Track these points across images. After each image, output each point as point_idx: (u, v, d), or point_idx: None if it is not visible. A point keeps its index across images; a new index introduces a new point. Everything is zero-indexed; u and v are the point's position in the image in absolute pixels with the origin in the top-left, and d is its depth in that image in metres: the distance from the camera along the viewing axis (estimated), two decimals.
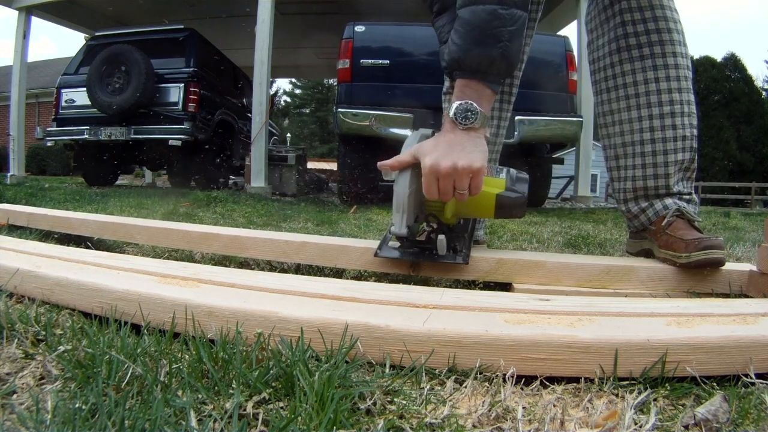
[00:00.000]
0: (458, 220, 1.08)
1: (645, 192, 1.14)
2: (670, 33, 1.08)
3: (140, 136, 5.39)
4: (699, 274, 0.98)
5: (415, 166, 0.95)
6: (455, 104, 0.92)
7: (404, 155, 0.96)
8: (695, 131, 1.11)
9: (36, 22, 7.19)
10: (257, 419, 0.44)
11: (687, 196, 1.13)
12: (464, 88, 0.93)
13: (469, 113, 0.91)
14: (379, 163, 0.98)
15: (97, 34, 6.23)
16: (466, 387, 0.54)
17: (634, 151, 1.14)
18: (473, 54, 0.91)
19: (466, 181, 0.89)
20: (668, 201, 1.11)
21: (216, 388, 0.48)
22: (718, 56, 19.15)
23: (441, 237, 0.98)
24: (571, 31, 7.21)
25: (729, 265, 1.01)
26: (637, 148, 1.13)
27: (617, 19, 1.12)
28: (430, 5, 1.16)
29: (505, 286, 1.04)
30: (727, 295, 0.97)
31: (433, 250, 1.01)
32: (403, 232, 0.94)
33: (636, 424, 0.46)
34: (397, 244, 1.07)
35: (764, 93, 20.38)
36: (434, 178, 0.89)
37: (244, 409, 0.45)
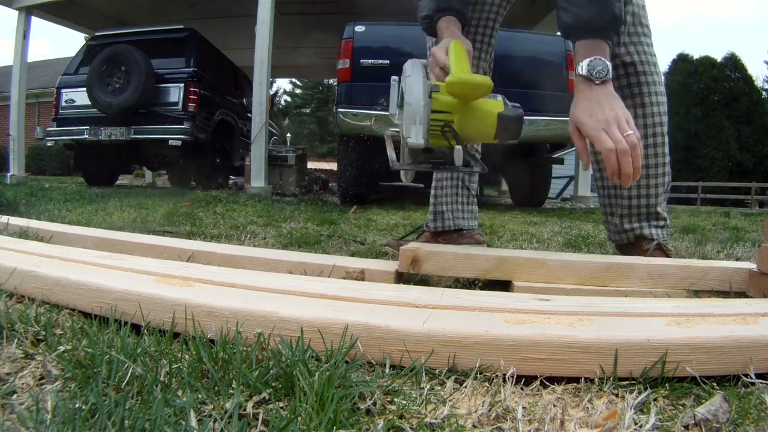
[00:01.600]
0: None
1: (629, 212, 1.29)
2: (653, 75, 1.24)
3: (140, 136, 5.39)
4: (698, 271, 0.99)
5: (426, 78, 0.99)
6: (586, 62, 1.00)
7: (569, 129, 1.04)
8: (668, 158, 1.29)
9: (35, 22, 7.18)
10: (257, 419, 0.44)
11: (664, 222, 1.30)
12: (589, 47, 1.01)
13: (602, 69, 0.99)
14: (432, 50, 1.05)
15: (97, 34, 6.23)
16: (466, 387, 0.54)
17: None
18: (595, 13, 0.99)
19: (626, 124, 0.95)
20: (653, 230, 1.28)
21: (216, 388, 0.48)
22: (718, 56, 19.12)
23: (458, 147, 0.98)
24: None
25: (729, 265, 1.01)
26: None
27: (618, 70, 1.23)
28: None
29: (505, 285, 1.04)
30: (727, 295, 0.97)
31: (446, 162, 1.02)
32: (420, 143, 0.94)
33: (636, 424, 0.46)
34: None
35: (764, 93, 20.36)
36: (601, 130, 0.96)
37: (244, 409, 0.45)
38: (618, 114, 0.96)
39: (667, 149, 1.27)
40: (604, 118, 0.96)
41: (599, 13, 0.99)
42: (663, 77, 1.29)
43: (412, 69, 1.01)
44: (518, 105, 1.05)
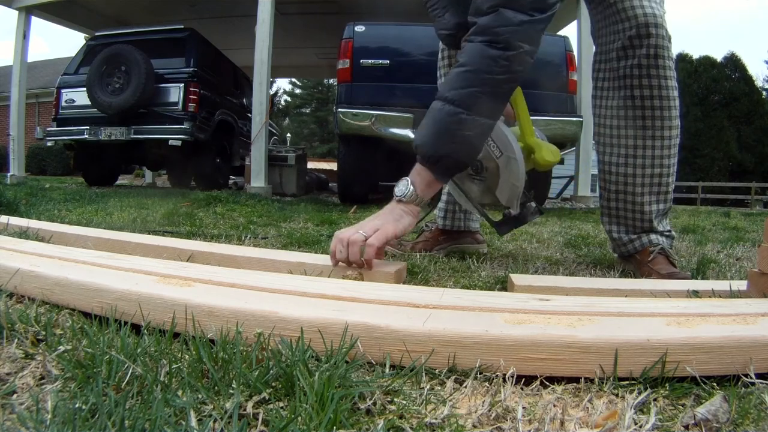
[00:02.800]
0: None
1: (633, 228, 1.35)
2: (669, 110, 1.27)
3: (140, 136, 5.39)
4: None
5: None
6: (402, 180, 1.10)
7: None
8: (673, 186, 1.36)
9: (34, 21, 7.18)
10: (257, 419, 0.44)
11: (668, 233, 1.34)
12: (416, 168, 1.09)
13: (400, 188, 1.09)
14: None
15: (97, 34, 6.22)
16: (466, 387, 0.54)
17: (626, 199, 1.35)
18: (426, 145, 1.06)
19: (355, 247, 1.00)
20: (653, 237, 1.32)
21: (216, 388, 0.48)
22: (718, 56, 19.12)
23: (531, 204, 1.26)
24: (571, 31, 7.21)
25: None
26: (629, 197, 1.34)
27: (626, 91, 1.29)
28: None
29: (505, 285, 1.04)
30: (727, 295, 0.97)
31: (521, 218, 1.27)
32: (518, 211, 1.24)
33: (636, 424, 0.46)
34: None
35: (764, 93, 20.35)
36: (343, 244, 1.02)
37: (244, 409, 0.45)
38: (366, 228, 1.02)
39: (672, 179, 1.33)
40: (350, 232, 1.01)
41: (430, 145, 1.05)
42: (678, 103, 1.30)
43: (514, 146, 1.19)
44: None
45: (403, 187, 1.08)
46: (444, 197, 1.56)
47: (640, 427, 0.46)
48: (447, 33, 1.28)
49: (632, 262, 1.35)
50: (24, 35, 6.96)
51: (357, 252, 0.98)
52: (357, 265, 0.99)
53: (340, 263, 1.02)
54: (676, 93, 1.29)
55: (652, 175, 1.30)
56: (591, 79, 1.41)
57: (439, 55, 1.55)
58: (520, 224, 1.29)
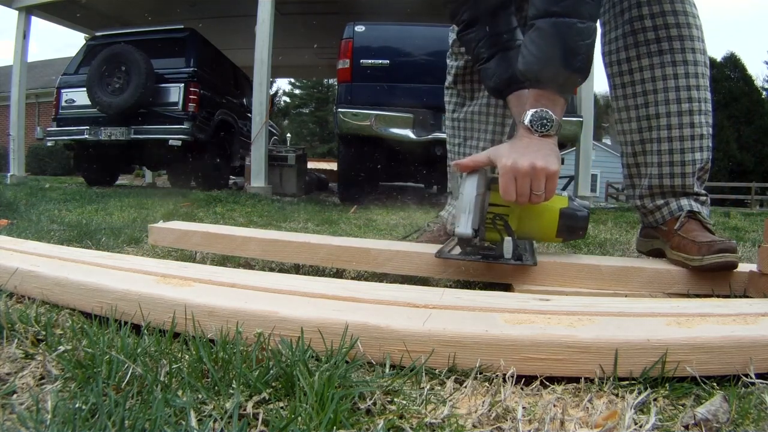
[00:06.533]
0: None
1: (661, 190, 1.13)
2: (689, 28, 1.07)
3: (140, 136, 5.38)
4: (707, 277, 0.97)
5: (482, 169, 0.97)
6: (530, 112, 0.93)
7: (479, 156, 0.97)
8: (711, 130, 1.10)
9: (34, 21, 7.18)
10: (257, 419, 0.44)
11: (703, 198, 1.13)
12: (539, 97, 0.94)
13: (545, 121, 0.93)
14: (453, 162, 0.99)
15: (97, 34, 6.22)
16: (466, 387, 0.54)
17: (652, 149, 1.13)
18: (552, 66, 0.91)
19: (542, 181, 0.91)
20: (683, 201, 1.10)
21: (216, 388, 0.48)
22: (718, 56, 19.09)
23: (508, 239, 0.95)
24: None
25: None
26: (655, 146, 1.12)
27: (633, 11, 1.10)
28: (455, 15, 1.16)
29: (506, 285, 1.04)
30: (727, 295, 0.97)
31: (496, 255, 0.98)
32: (468, 233, 0.92)
33: (636, 424, 0.46)
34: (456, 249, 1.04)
35: (764, 93, 20.35)
36: (512, 177, 0.91)
37: (244, 409, 0.45)
38: (537, 169, 0.90)
39: (706, 118, 1.09)
40: (525, 166, 0.90)
41: (556, 66, 0.91)
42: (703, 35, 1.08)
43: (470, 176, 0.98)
44: (587, 204, 1.02)
45: (546, 121, 0.92)
46: (452, 201, 1.56)
47: (640, 427, 0.46)
48: (494, 87, 1.14)
49: (659, 237, 1.14)
50: (24, 35, 6.96)
51: (542, 185, 0.90)
52: (533, 201, 0.91)
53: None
54: (695, 10, 1.08)
55: (679, 113, 1.08)
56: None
57: (449, 51, 1.46)
58: (486, 257, 1.00)
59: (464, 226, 0.92)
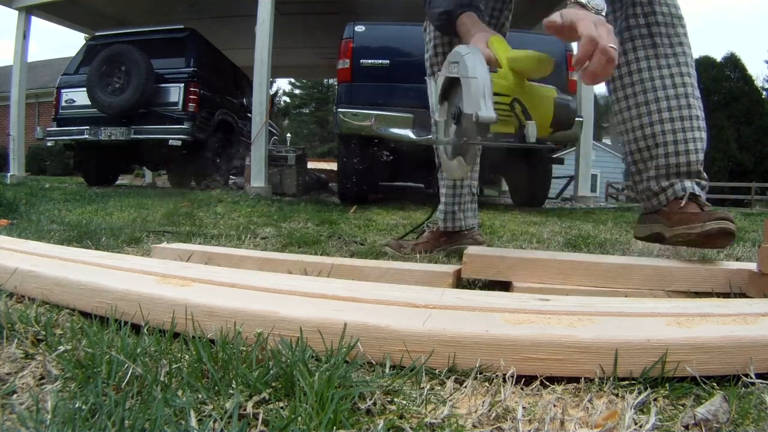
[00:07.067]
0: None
1: (668, 171, 1.18)
2: (675, 27, 1.18)
3: (140, 136, 5.39)
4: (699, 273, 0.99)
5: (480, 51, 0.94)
6: None
7: (553, 16, 0.91)
8: (702, 113, 1.19)
9: (34, 21, 7.18)
10: (257, 419, 0.44)
11: (704, 182, 1.19)
12: None
13: (598, 2, 0.92)
14: (546, 20, 0.92)
15: (97, 34, 6.23)
16: (466, 387, 0.54)
17: (654, 131, 1.19)
18: None
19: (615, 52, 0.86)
20: (687, 183, 1.16)
21: (216, 388, 0.48)
22: (718, 56, 19.10)
23: (531, 122, 0.92)
24: None
25: (729, 265, 1.01)
26: (657, 127, 1.18)
27: (627, 10, 1.19)
28: None
29: (506, 285, 1.04)
30: (727, 295, 0.97)
31: (519, 139, 0.96)
32: (492, 117, 0.86)
33: (636, 424, 0.46)
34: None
35: (764, 93, 20.35)
36: (594, 43, 0.85)
37: (244, 409, 0.45)
38: (610, 28, 0.87)
39: (698, 102, 1.18)
40: (595, 20, 0.87)
41: None
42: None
43: (467, 49, 0.95)
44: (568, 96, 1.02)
45: (597, 1, 0.91)
46: (444, 199, 1.56)
47: (640, 427, 0.46)
48: (442, 11, 1.18)
49: (659, 220, 1.19)
50: (24, 35, 6.96)
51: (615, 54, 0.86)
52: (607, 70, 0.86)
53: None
54: (680, 12, 1.19)
55: (677, 95, 1.16)
56: None
57: (431, 51, 1.46)
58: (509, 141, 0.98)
59: (487, 110, 0.86)
